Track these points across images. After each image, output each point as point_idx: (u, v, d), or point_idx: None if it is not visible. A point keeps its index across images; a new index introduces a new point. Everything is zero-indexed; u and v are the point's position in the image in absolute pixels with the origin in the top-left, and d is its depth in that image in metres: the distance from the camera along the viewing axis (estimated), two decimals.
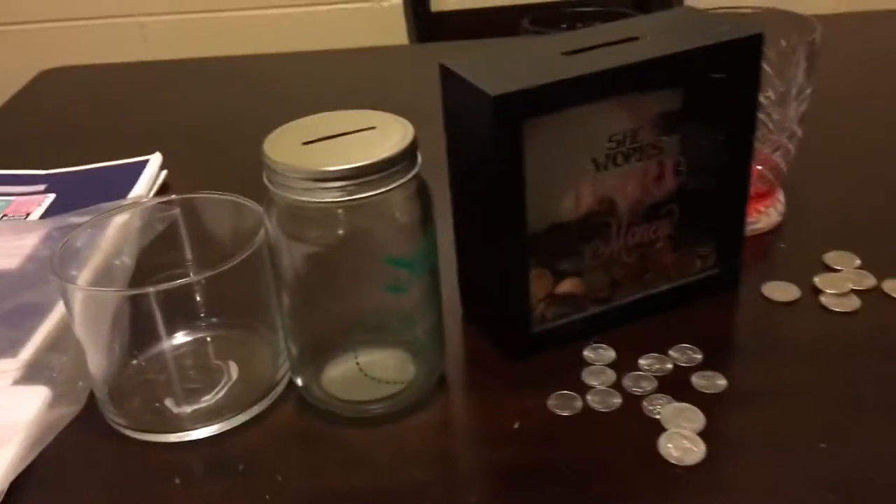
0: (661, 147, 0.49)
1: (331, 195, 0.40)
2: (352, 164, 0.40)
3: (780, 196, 0.61)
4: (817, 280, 0.53)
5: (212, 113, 0.85)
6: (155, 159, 0.71)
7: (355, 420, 0.45)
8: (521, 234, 0.46)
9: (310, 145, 0.41)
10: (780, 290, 0.53)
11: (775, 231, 0.59)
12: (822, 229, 0.59)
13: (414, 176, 0.42)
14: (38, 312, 0.52)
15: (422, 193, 0.43)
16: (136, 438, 0.45)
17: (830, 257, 0.56)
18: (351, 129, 0.42)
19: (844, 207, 0.62)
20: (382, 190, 0.40)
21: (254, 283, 0.46)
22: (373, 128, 0.42)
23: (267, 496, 0.41)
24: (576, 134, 0.46)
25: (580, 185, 0.47)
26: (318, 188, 0.40)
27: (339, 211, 0.41)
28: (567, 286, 0.49)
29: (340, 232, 0.42)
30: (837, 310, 0.51)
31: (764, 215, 0.60)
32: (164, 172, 0.71)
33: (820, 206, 0.62)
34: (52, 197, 0.68)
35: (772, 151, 0.57)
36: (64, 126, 0.85)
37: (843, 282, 0.53)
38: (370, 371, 0.45)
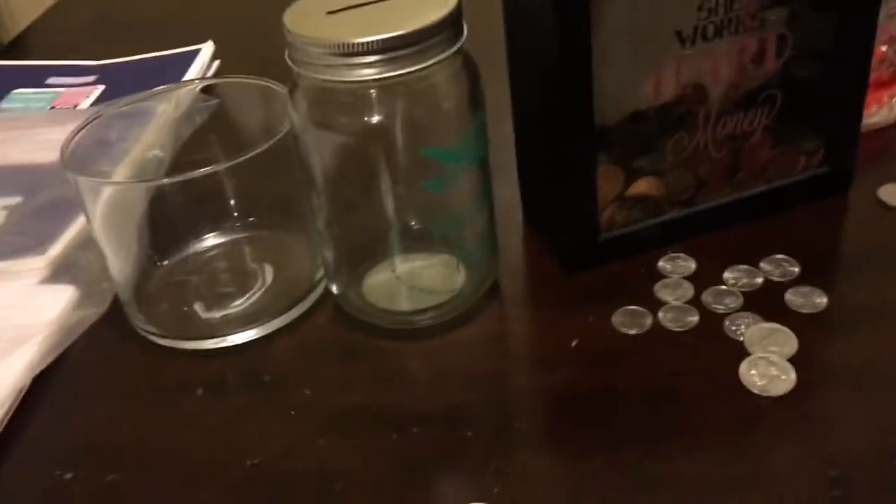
0: (762, 20, 0.40)
1: (360, 73, 0.34)
2: (384, 34, 0.33)
3: None
4: None
5: (269, 4, 0.80)
6: (207, 48, 0.67)
7: (395, 332, 0.40)
8: (587, 123, 0.39)
9: (336, 15, 0.35)
10: None
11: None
12: None
13: (458, 50, 0.35)
14: (68, 208, 0.49)
15: (468, 71, 0.37)
16: (160, 344, 0.42)
17: None
18: None
19: None
20: (420, 66, 0.34)
21: (285, 179, 0.41)
22: None
23: (293, 412, 0.37)
24: (657, 0, 0.39)
25: (662, 64, 0.40)
26: (346, 64, 0.34)
27: (371, 92, 0.35)
28: (642, 186, 0.43)
29: (373, 118, 0.36)
30: None
31: (886, 107, 0.51)
32: (217, 63, 0.67)
33: None
34: (101, 88, 0.65)
35: None
36: (116, 17, 0.81)
37: None
38: (411, 280, 0.41)
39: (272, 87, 0.43)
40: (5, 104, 0.64)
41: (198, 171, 0.38)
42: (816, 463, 0.32)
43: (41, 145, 0.56)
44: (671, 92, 0.41)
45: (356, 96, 0.36)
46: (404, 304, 0.41)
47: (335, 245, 0.41)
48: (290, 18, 0.36)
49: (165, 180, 0.39)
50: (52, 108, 0.63)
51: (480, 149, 0.39)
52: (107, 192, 0.41)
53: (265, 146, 0.39)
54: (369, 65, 0.34)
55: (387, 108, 0.36)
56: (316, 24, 0.35)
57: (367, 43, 0.33)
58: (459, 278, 0.41)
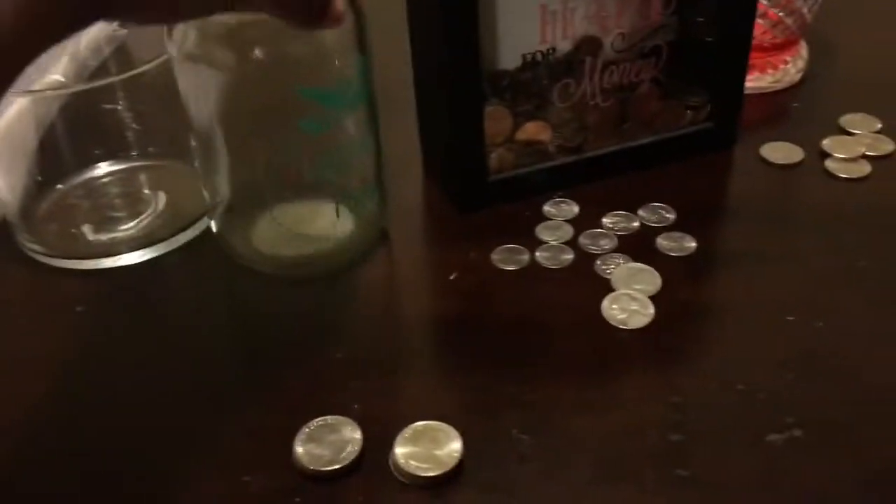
0: None
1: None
2: None
3: (803, 51, 0.53)
4: (826, 143, 0.47)
5: None
6: None
7: (284, 278, 0.41)
8: (474, 65, 0.40)
9: None
10: (781, 152, 0.47)
11: (792, 90, 0.52)
12: (845, 88, 0.52)
13: None
14: None
15: (354, 12, 0.36)
16: (44, 263, 0.42)
17: (847, 119, 0.48)
18: None
19: (875, 65, 0.54)
20: None
21: (175, 112, 0.42)
22: None
23: (173, 331, 0.38)
24: None
25: (549, 9, 0.41)
26: None
27: (250, 27, 0.35)
28: (530, 130, 0.44)
29: (252, 53, 0.35)
30: (843, 175, 0.45)
31: (780, 71, 0.52)
32: None
33: (846, 62, 0.55)
34: None
35: None
36: None
37: (855, 146, 0.46)
38: (293, 225, 0.40)
39: None
40: None
41: (84, 84, 0.38)
42: (660, 390, 0.34)
43: None
44: (559, 38, 0.42)
45: (227, 28, 0.35)
46: (286, 250, 0.41)
47: (214, 186, 0.40)
48: None
49: (49, 91, 0.39)
50: None
51: (361, 93, 0.38)
52: (2, 109, 0.41)
53: (150, 65, 0.39)
54: None
55: (260, 44, 0.35)
56: None
57: None
58: (344, 225, 0.41)
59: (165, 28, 0.36)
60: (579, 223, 0.43)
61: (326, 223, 0.41)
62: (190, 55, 0.35)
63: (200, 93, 0.37)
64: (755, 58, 0.50)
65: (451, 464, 0.31)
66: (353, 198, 0.41)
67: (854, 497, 0.30)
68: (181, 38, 0.36)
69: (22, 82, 0.48)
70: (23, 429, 0.34)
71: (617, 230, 0.42)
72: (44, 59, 0.51)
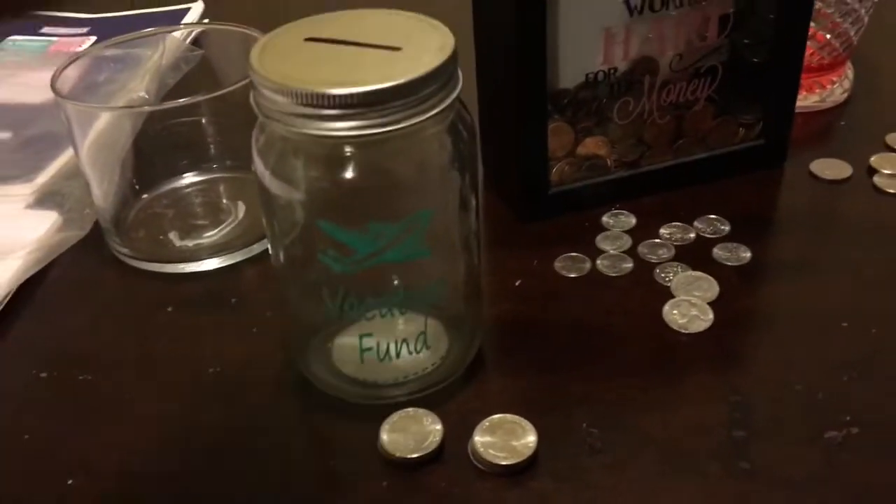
0: None
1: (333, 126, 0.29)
2: (363, 87, 0.29)
3: (849, 72, 0.55)
4: (874, 159, 0.49)
5: None
6: (197, 7, 0.70)
7: None
8: (540, 85, 0.43)
9: (313, 47, 0.31)
10: (831, 168, 0.49)
11: (838, 109, 0.54)
12: (890, 108, 0.54)
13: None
14: (57, 142, 0.52)
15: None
16: (135, 267, 0.45)
17: (893, 137, 0.50)
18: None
19: None
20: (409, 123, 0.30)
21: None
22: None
23: (255, 329, 0.41)
24: None
25: (612, 31, 0.43)
26: (316, 116, 0.29)
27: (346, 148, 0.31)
28: (590, 146, 0.46)
29: (346, 175, 0.31)
30: (891, 191, 0.47)
31: (827, 92, 0.54)
32: (206, 22, 0.70)
33: (891, 83, 0.57)
34: (93, 39, 0.68)
35: (840, 16, 0.51)
36: None
37: None
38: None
39: (256, 36, 0.46)
40: (0, 49, 0.67)
41: (178, 100, 0.41)
42: (722, 390, 0.36)
43: (33, 87, 0.59)
44: (620, 58, 0.44)
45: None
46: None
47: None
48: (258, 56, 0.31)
49: (147, 108, 0.42)
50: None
51: (406, 247, 0.32)
52: (95, 122, 0.44)
53: (238, 84, 0.42)
54: (344, 117, 0.29)
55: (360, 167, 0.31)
56: (288, 63, 0.30)
57: (344, 96, 0.29)
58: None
59: (254, 142, 0.33)
60: (637, 234, 0.45)
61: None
62: (282, 175, 0.32)
63: (286, 210, 0.33)
64: (803, 78, 0.51)
65: (526, 454, 0.33)
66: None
67: None
68: (271, 156, 0.32)
69: (107, 98, 0.51)
70: (128, 411, 0.37)
71: (674, 241, 0.44)
72: (126, 75, 0.54)
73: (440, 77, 0.30)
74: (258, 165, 0.33)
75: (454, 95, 0.31)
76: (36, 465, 0.35)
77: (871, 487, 0.32)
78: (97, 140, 0.44)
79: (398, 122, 0.30)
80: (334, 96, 0.29)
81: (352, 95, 0.29)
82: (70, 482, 0.34)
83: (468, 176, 0.34)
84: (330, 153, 0.31)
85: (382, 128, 0.30)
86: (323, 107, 0.29)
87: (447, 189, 0.33)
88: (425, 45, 0.31)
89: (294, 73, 0.30)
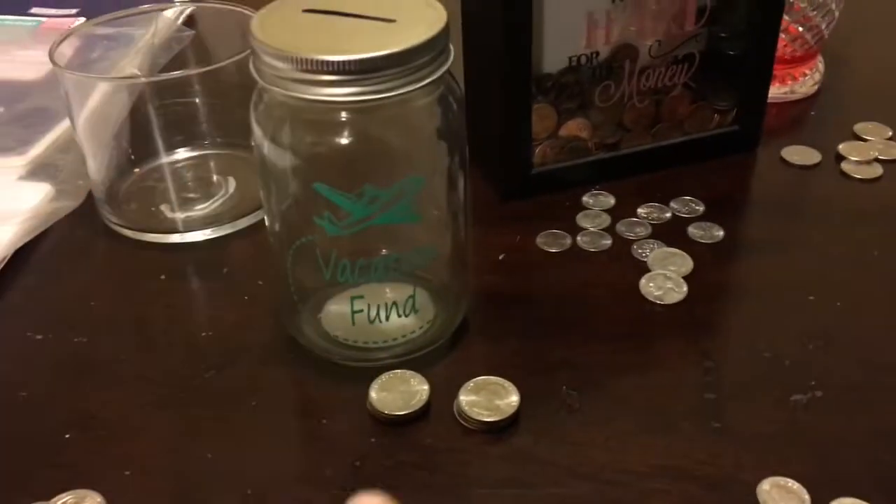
0: None
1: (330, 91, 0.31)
2: (361, 54, 0.30)
3: (820, 65, 0.57)
4: (842, 147, 0.51)
5: None
6: None
7: None
8: (526, 68, 0.44)
9: (311, 18, 0.33)
10: (800, 154, 0.51)
11: (809, 100, 0.57)
12: (858, 99, 0.56)
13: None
14: (50, 116, 0.53)
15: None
16: (128, 237, 0.46)
17: (860, 127, 0.53)
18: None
19: (887, 78, 0.58)
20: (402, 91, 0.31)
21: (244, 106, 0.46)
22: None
23: (246, 297, 0.42)
24: None
25: (595, 16, 0.45)
26: (315, 81, 0.30)
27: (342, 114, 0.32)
28: (572, 128, 0.48)
29: (341, 140, 0.32)
30: (857, 176, 0.49)
31: (798, 83, 0.56)
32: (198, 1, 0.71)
33: (860, 75, 0.59)
34: (82, 20, 0.68)
35: (812, 10, 0.53)
36: None
37: (868, 150, 0.50)
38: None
39: (249, 15, 0.47)
40: None
41: (173, 73, 0.42)
42: (695, 356, 0.38)
43: (24, 63, 0.59)
44: (602, 43, 0.46)
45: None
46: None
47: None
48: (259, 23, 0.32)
49: (143, 79, 0.43)
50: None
51: (398, 211, 0.33)
52: (91, 95, 0.45)
53: (232, 59, 0.43)
54: (341, 83, 0.31)
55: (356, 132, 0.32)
56: (288, 31, 0.32)
57: (342, 62, 0.30)
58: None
59: (252, 109, 0.34)
60: (616, 213, 0.47)
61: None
62: (279, 140, 0.33)
63: (284, 174, 0.34)
64: (776, 69, 0.54)
65: (509, 412, 0.35)
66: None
67: (868, 445, 0.33)
68: (269, 121, 0.34)
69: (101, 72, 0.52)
70: (124, 371, 0.38)
71: (651, 219, 0.46)
72: (119, 53, 0.55)
73: (433, 48, 0.32)
74: (256, 133, 0.34)
75: (445, 67, 0.33)
76: (33, 419, 0.36)
77: (833, 444, 0.34)
78: (93, 113, 0.45)
79: (391, 89, 0.31)
80: (332, 62, 0.30)
81: (348, 62, 0.30)
82: (67, 435, 0.35)
83: (457, 147, 0.35)
84: (326, 118, 0.32)
85: (376, 94, 0.31)
86: (321, 72, 0.30)
87: (436, 158, 0.35)
88: (419, 19, 0.32)
89: (293, 41, 0.31)
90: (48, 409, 0.36)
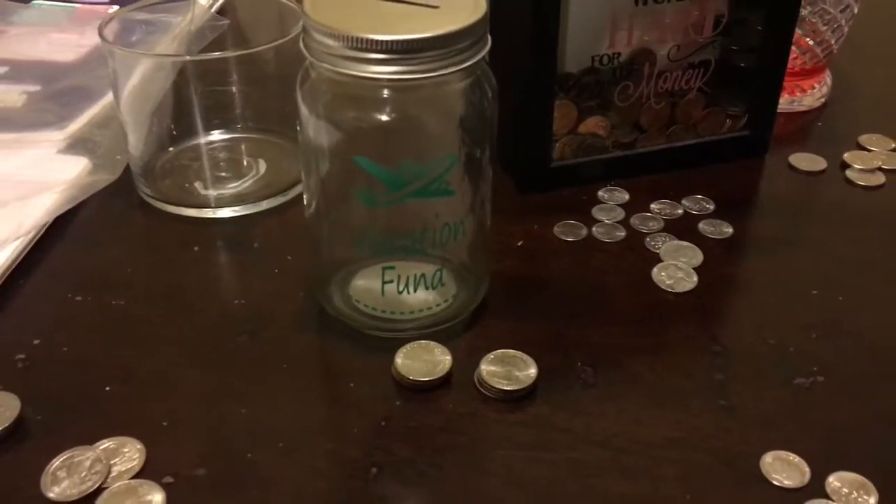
0: None
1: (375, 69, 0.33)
2: (406, 35, 0.32)
3: (828, 78, 0.60)
4: (847, 156, 0.53)
5: None
6: None
7: None
8: (551, 66, 0.46)
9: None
10: (807, 161, 0.53)
11: (817, 111, 0.59)
12: (864, 113, 0.58)
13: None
14: (88, 95, 0.55)
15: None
16: (163, 210, 0.48)
17: (865, 138, 0.55)
18: None
19: (890, 94, 0.61)
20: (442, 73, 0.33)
21: (287, 97, 0.47)
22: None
23: (276, 270, 0.44)
24: None
25: (618, 19, 0.47)
26: (362, 59, 0.33)
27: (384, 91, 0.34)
28: (591, 125, 0.50)
29: (382, 117, 0.34)
30: (861, 183, 0.51)
31: (808, 95, 0.59)
32: None
33: (867, 88, 0.61)
34: (115, 8, 0.70)
35: (822, 24, 0.55)
36: None
37: (872, 159, 0.53)
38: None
39: (286, 4, 0.50)
40: (26, 12, 0.69)
41: (213, 52, 0.44)
42: (704, 341, 0.40)
43: (61, 45, 0.61)
44: (624, 44, 0.48)
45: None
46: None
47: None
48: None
49: (187, 57, 0.45)
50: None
51: (434, 185, 0.35)
52: (135, 71, 0.47)
53: (270, 45, 0.45)
54: (385, 62, 0.33)
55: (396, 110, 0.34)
56: (337, 11, 0.34)
57: (388, 42, 0.32)
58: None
59: (298, 85, 0.37)
60: (630, 208, 0.49)
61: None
62: (324, 115, 0.36)
63: (327, 150, 0.36)
64: (787, 81, 0.56)
65: (527, 383, 0.37)
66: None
67: (867, 426, 0.35)
68: (315, 97, 0.36)
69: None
70: (160, 333, 0.40)
71: (663, 215, 0.48)
72: (156, 38, 0.57)
73: (472, 34, 0.34)
74: (301, 108, 0.36)
75: (483, 53, 0.35)
76: (74, 373, 0.37)
77: (833, 424, 0.36)
78: (135, 89, 0.47)
79: (431, 70, 0.33)
80: (378, 41, 0.32)
81: (394, 42, 0.32)
82: (108, 388, 0.37)
83: (488, 132, 0.37)
84: (369, 95, 0.34)
85: (417, 74, 0.33)
86: (367, 50, 0.33)
87: (468, 141, 0.37)
88: (460, 6, 0.35)
89: (343, 20, 0.33)
90: (89, 364, 0.38)
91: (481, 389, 0.37)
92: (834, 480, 0.33)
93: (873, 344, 0.40)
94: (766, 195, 0.51)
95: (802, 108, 0.59)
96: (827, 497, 0.32)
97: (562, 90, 0.48)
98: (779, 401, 0.37)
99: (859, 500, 0.32)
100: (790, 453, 0.34)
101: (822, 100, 0.59)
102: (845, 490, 0.32)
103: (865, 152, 0.54)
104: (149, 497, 0.32)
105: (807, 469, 0.33)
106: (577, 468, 0.33)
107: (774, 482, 0.33)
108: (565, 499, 0.32)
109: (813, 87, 0.59)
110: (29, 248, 0.44)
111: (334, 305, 0.40)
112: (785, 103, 0.57)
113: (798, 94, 0.58)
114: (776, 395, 0.37)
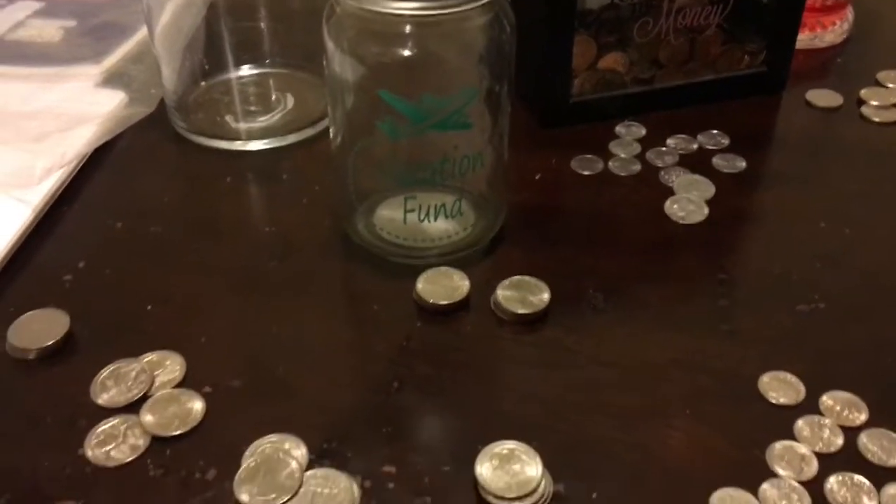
0: None
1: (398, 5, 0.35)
2: None
3: (849, 14, 0.60)
4: (864, 92, 0.54)
5: None
6: None
7: None
8: (571, 4, 0.47)
9: None
10: (824, 97, 0.54)
11: (836, 48, 0.59)
12: (884, 51, 0.59)
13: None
14: (122, 31, 0.57)
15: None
16: (197, 143, 0.50)
17: (883, 75, 0.55)
18: None
19: None
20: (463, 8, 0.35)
21: (316, 34, 0.49)
22: None
23: (304, 200, 0.46)
24: None
25: None
26: None
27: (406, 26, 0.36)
28: (609, 61, 0.51)
29: (404, 52, 0.36)
30: (876, 119, 0.52)
31: (829, 32, 0.59)
32: None
33: (889, 24, 0.61)
34: None
35: None
36: None
37: (888, 96, 0.53)
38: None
39: None
40: None
41: None
42: (711, 269, 0.41)
43: None
44: None
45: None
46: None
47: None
48: None
49: None
50: None
51: (453, 117, 0.37)
52: (168, 6, 0.48)
53: None
54: None
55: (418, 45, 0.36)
56: None
57: None
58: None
59: (325, 21, 0.38)
60: (646, 142, 0.50)
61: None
62: (349, 50, 0.37)
63: (352, 85, 0.38)
64: (807, 17, 0.56)
65: (541, 307, 0.39)
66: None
67: (864, 350, 0.37)
68: (341, 32, 0.37)
69: None
70: (195, 258, 0.42)
71: (679, 149, 0.49)
72: None
73: None
74: (327, 42, 0.38)
75: None
76: (117, 293, 0.40)
77: (831, 348, 0.37)
78: (168, 24, 0.49)
79: (452, 6, 0.35)
80: None
81: None
82: (149, 307, 0.39)
83: (507, 67, 0.39)
84: (391, 30, 0.36)
85: (438, 10, 0.35)
86: None
87: (488, 74, 0.39)
88: None
89: None
90: (130, 286, 0.41)
91: (497, 313, 0.39)
92: (827, 399, 0.35)
93: (874, 275, 0.41)
94: (781, 131, 0.52)
95: (823, 45, 0.59)
96: (820, 414, 0.34)
97: (581, 26, 0.49)
98: (779, 326, 0.38)
99: (850, 416, 0.34)
100: (787, 373, 0.36)
101: (844, 36, 0.59)
102: (837, 408, 0.34)
103: (883, 89, 0.54)
104: (189, 405, 0.35)
105: (802, 388, 0.35)
106: (586, 384, 0.36)
107: (771, 400, 0.35)
108: (573, 409, 0.35)
109: (834, 24, 0.59)
110: (72, 177, 0.46)
111: (359, 233, 0.42)
112: (806, 39, 0.58)
113: (819, 30, 0.59)
114: (777, 320, 0.39)
